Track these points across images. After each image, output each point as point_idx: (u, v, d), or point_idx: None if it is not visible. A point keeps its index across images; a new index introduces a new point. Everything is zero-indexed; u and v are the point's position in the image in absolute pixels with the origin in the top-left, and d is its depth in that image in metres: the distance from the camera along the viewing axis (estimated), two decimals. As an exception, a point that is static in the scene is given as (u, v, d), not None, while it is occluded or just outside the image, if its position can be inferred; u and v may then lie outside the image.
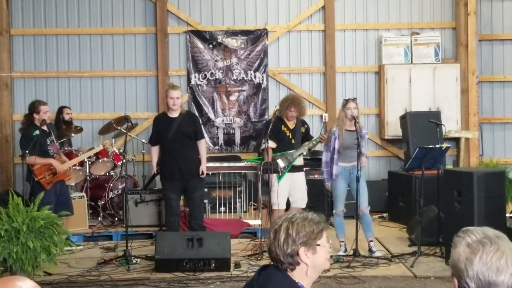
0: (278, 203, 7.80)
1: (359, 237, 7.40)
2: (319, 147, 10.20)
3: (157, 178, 8.66)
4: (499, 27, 11.13)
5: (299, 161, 8.09)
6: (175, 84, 8.43)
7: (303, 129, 8.14)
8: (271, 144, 7.96)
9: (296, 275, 2.66)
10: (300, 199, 8.03)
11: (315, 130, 10.08)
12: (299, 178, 8.09)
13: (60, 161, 7.96)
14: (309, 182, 8.63)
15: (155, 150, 7.86)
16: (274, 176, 7.86)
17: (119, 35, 10.84)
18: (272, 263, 2.74)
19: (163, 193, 8.02)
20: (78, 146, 9.95)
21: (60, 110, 9.76)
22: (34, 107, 7.80)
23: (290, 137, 8.02)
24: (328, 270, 6.68)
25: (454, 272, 2.18)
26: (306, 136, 8.15)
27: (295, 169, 8.02)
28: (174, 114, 7.69)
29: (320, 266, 2.71)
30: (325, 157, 7.79)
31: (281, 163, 7.91)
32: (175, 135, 7.60)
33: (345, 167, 7.58)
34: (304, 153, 8.24)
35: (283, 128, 8.00)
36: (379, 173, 10.90)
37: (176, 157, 7.59)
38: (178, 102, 7.66)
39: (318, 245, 2.65)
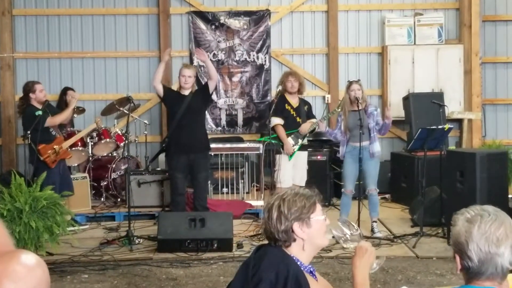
0: (284, 181, 7.82)
1: (363, 218, 7.40)
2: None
3: (162, 158, 8.68)
4: (502, 8, 11.04)
5: (304, 140, 8.13)
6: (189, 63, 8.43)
7: (306, 108, 8.19)
8: (278, 120, 7.96)
9: (293, 251, 2.69)
10: (300, 177, 8.09)
11: (318, 111, 10.08)
12: (302, 157, 8.16)
13: (60, 139, 7.98)
14: (312, 163, 8.65)
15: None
16: (278, 156, 7.89)
17: (122, 16, 10.77)
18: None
19: (169, 173, 8.05)
20: (81, 127, 9.92)
21: (64, 91, 9.69)
22: (29, 87, 7.80)
23: (295, 115, 8.04)
24: (330, 251, 6.71)
25: (455, 249, 2.19)
26: (309, 115, 8.20)
27: (301, 147, 8.06)
28: (186, 92, 7.75)
29: (317, 240, 2.73)
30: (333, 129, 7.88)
31: (291, 141, 7.94)
32: (186, 112, 7.63)
33: (355, 146, 7.52)
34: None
35: (287, 106, 8.01)
36: (382, 154, 10.83)
37: (184, 131, 7.63)
38: (190, 81, 7.71)
39: (312, 218, 2.68)
